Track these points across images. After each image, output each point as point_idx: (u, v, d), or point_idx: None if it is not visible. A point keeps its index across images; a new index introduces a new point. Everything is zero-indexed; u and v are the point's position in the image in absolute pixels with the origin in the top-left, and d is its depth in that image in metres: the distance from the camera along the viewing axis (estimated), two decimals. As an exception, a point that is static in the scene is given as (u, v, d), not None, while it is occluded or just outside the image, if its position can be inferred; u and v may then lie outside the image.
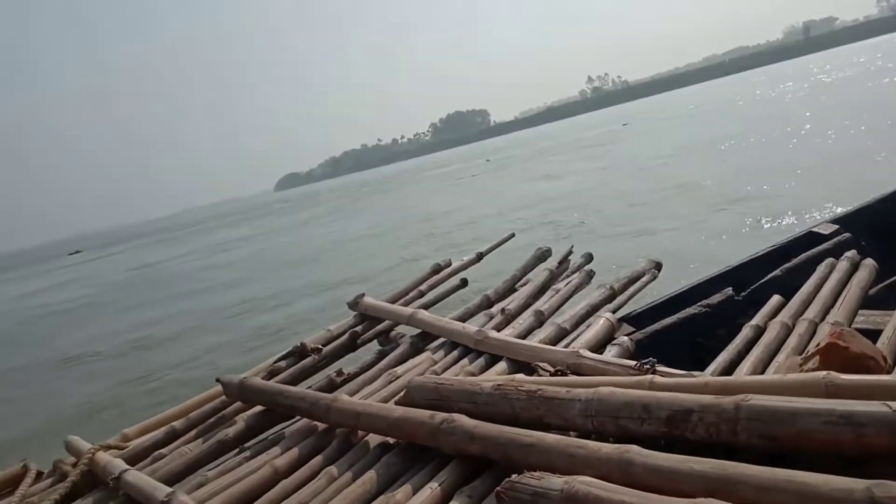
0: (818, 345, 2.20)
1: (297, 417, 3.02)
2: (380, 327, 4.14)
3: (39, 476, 3.04)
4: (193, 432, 3.14)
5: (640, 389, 2.03)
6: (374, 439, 2.59)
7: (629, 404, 1.95)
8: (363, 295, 4.35)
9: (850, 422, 1.53)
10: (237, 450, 2.91)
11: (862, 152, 14.84)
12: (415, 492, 2.10)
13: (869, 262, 3.34)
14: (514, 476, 1.77)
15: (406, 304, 4.25)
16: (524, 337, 3.28)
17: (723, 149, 20.74)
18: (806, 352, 2.39)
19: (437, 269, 4.70)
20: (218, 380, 3.43)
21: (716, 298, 3.35)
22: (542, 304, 3.70)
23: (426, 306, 4.21)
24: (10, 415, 8.33)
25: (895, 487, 1.30)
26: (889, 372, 2.12)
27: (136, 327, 12.88)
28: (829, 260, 3.41)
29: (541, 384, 2.28)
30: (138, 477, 2.60)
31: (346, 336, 3.98)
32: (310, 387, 3.32)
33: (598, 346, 3.01)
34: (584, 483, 1.65)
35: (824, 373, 1.84)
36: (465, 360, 3.21)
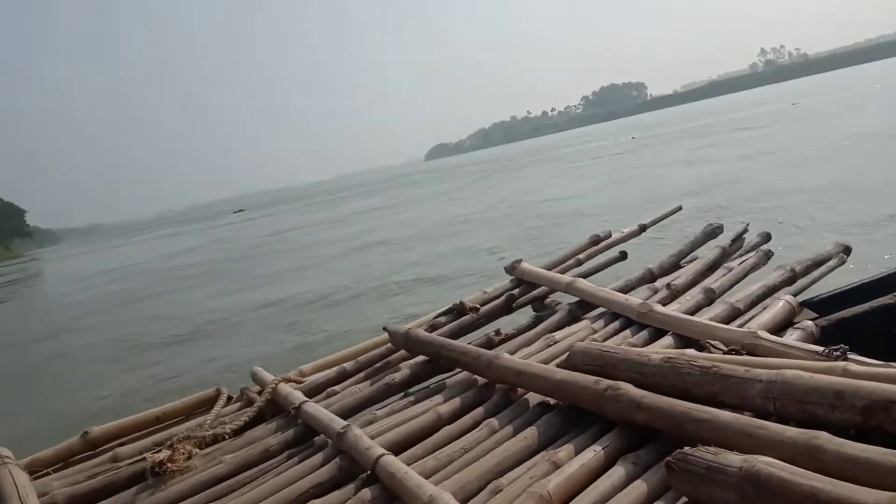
0: None
1: (458, 370, 3.14)
2: (535, 293, 4.18)
3: (229, 400, 3.40)
4: (362, 374, 3.37)
5: (831, 376, 1.90)
6: (533, 398, 2.64)
7: (818, 390, 1.83)
8: (520, 261, 4.39)
9: None
10: (402, 394, 3.09)
11: None
12: (577, 452, 2.12)
13: None
14: (686, 448, 1.73)
15: (562, 273, 4.23)
16: (692, 314, 3.16)
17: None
18: None
19: (595, 240, 4.63)
20: (385, 328, 3.64)
21: None
22: (713, 281, 3.54)
23: (583, 276, 4.17)
24: (199, 352, 9.39)
25: None
26: None
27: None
28: None
29: (715, 361, 2.19)
30: (316, 409, 2.84)
31: (502, 298, 4.05)
32: (468, 343, 3.43)
33: (776, 329, 2.84)
34: (766, 463, 1.58)
35: None
36: (627, 332, 3.16)
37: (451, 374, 3.20)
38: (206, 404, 3.39)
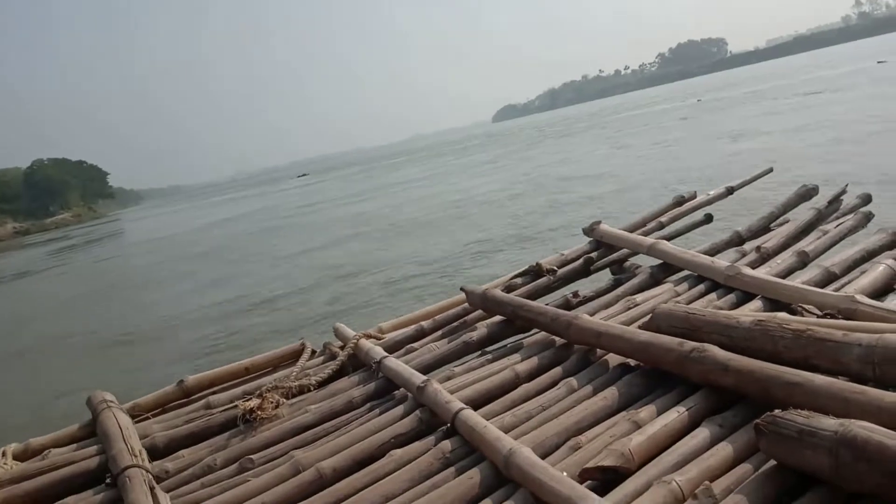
0: None
1: (535, 330, 3.14)
2: (615, 255, 4.09)
3: (313, 354, 3.53)
4: (439, 332, 3.42)
5: (940, 341, 1.78)
6: (613, 359, 2.61)
7: (925, 355, 1.72)
8: (599, 222, 4.30)
9: None
10: (479, 352, 3.12)
11: None
12: (659, 413, 2.09)
13: None
14: (777, 411, 1.68)
15: (644, 235, 4.12)
16: (783, 277, 3.02)
17: None
18: None
19: (679, 201, 4.47)
20: (462, 288, 3.67)
21: None
22: (807, 244, 3.37)
23: (665, 238, 4.05)
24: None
25: None
26: None
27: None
28: None
29: (810, 325, 2.10)
30: (397, 363, 2.91)
31: (580, 261, 3.99)
32: (546, 304, 3.41)
33: (876, 295, 2.68)
34: (864, 428, 1.51)
35: None
36: (713, 296, 3.05)
37: (527, 334, 3.20)
38: (291, 357, 3.52)
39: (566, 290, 3.77)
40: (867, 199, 3.81)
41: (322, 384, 3.04)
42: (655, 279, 3.54)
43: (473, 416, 2.25)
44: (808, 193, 4.02)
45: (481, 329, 3.27)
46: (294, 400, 2.91)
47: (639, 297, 3.27)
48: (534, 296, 3.69)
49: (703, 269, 3.27)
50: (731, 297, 2.99)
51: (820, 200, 3.89)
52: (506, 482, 1.97)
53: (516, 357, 2.86)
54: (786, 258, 3.25)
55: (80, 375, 8.35)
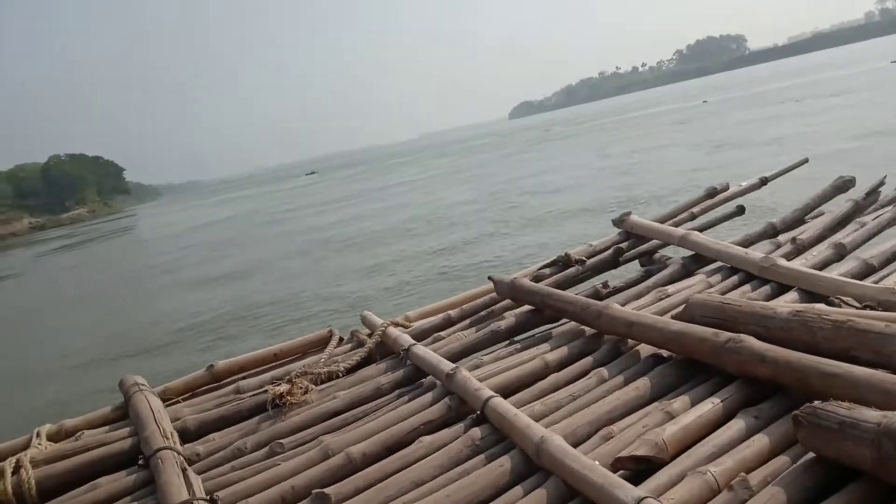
0: None
1: (564, 320, 3.11)
2: (645, 246, 4.05)
3: (341, 341, 3.54)
4: (467, 321, 3.41)
5: None
6: (645, 350, 2.58)
7: (972, 348, 1.67)
8: (629, 213, 4.26)
9: None
10: (507, 342, 3.11)
11: None
12: (693, 404, 2.06)
13: None
14: (816, 402, 1.64)
15: (675, 226, 4.07)
16: (820, 269, 2.96)
17: None
18: None
19: (712, 193, 4.40)
20: (490, 278, 3.65)
21: None
22: (844, 236, 3.29)
23: (697, 230, 3.99)
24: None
25: None
26: None
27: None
28: None
29: (850, 315, 2.05)
30: (425, 351, 2.90)
31: (609, 252, 3.95)
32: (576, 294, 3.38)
33: (917, 288, 2.61)
34: (910, 420, 1.47)
35: None
36: (747, 287, 3.00)
37: (556, 324, 3.18)
38: (320, 344, 3.53)
39: (595, 281, 3.74)
40: (907, 191, 3.71)
41: (350, 371, 3.05)
42: (687, 270, 3.50)
43: (503, 404, 2.24)
44: (844, 185, 3.93)
45: (509, 318, 3.25)
46: (323, 386, 2.92)
47: (670, 288, 3.22)
48: (562, 286, 3.66)
49: (736, 261, 3.22)
50: (766, 289, 2.93)
51: (857, 192, 3.80)
52: (536, 470, 1.96)
53: (545, 346, 2.84)
54: (822, 250, 3.19)
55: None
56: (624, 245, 4.00)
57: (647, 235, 4.02)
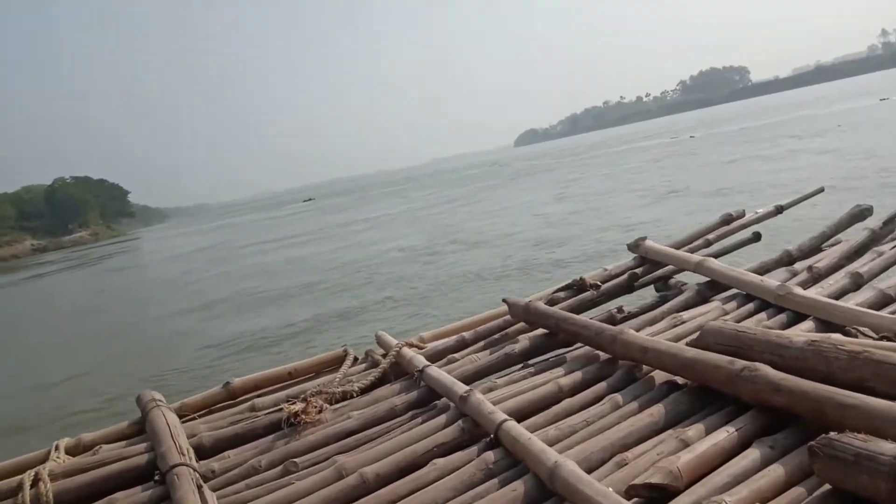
0: None
1: (579, 344, 3.12)
2: (660, 272, 4.05)
3: (355, 361, 3.56)
4: (482, 343, 3.42)
5: None
6: (659, 376, 2.58)
7: None
8: (644, 238, 4.26)
9: None
10: (521, 365, 3.11)
11: None
12: (708, 432, 2.05)
13: None
14: (832, 434, 1.64)
15: (691, 252, 4.07)
16: (836, 298, 2.95)
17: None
18: None
19: (727, 220, 4.40)
20: (504, 300, 3.66)
21: None
22: (861, 265, 3.28)
23: (713, 256, 3.99)
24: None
25: None
26: None
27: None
28: None
29: (866, 346, 2.04)
30: (439, 373, 2.92)
31: (624, 276, 3.95)
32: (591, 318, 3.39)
33: (935, 319, 2.59)
34: (926, 454, 1.47)
35: None
36: (763, 315, 3.00)
37: (571, 348, 3.19)
38: (334, 363, 3.56)
39: (610, 306, 3.74)
40: (925, 221, 3.69)
41: (364, 391, 3.07)
42: (702, 297, 3.49)
43: (517, 428, 2.25)
44: (861, 214, 3.92)
45: (523, 341, 3.27)
46: (337, 405, 2.94)
47: (685, 315, 3.22)
48: (577, 310, 3.67)
49: (752, 288, 3.22)
50: (782, 318, 2.92)
51: (874, 221, 3.79)
52: (550, 495, 1.96)
53: (559, 371, 2.85)
54: (839, 279, 3.18)
55: None
56: (639, 270, 4.00)
57: (663, 261, 4.02)
